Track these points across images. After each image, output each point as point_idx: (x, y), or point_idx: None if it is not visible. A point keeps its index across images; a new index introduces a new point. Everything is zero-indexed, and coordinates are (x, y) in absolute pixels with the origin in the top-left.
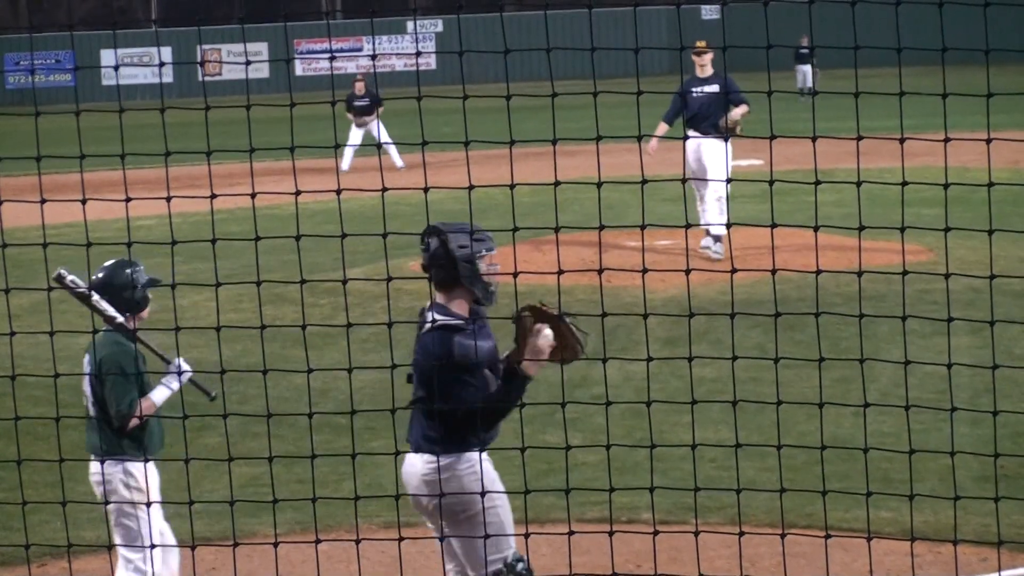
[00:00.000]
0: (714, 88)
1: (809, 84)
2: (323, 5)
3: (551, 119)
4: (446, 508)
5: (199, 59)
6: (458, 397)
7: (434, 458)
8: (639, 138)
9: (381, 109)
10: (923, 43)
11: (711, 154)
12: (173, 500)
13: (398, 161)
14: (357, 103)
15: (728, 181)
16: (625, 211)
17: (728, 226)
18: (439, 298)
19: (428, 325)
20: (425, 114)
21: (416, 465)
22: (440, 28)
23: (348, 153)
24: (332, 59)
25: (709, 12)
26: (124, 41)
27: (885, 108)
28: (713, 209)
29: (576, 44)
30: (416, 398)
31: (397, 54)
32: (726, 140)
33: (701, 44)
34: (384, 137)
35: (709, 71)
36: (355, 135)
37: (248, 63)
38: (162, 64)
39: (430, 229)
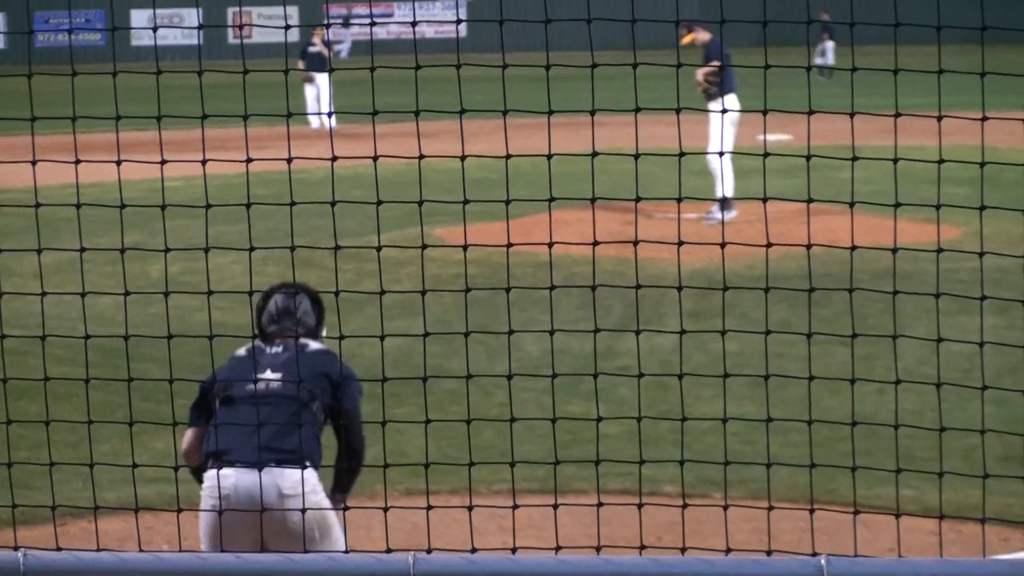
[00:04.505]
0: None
1: (831, 62)
2: None
3: (580, 89)
4: (320, 523)
5: (230, 22)
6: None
7: (314, 471)
8: (678, 111)
9: (330, 53)
10: (947, 20)
11: (708, 126)
12: None
13: (315, 123)
14: (310, 49)
15: (720, 154)
16: (652, 183)
17: (724, 200)
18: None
19: (313, 346)
20: (456, 82)
21: (291, 477)
22: None
23: (312, 117)
24: (373, 24)
25: None
26: (154, 1)
27: (913, 86)
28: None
29: (598, 14)
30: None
31: (428, 21)
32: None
33: (682, 32)
34: (325, 100)
35: (699, 47)
36: (309, 94)
37: (288, 28)
38: (201, 27)
39: (296, 289)
